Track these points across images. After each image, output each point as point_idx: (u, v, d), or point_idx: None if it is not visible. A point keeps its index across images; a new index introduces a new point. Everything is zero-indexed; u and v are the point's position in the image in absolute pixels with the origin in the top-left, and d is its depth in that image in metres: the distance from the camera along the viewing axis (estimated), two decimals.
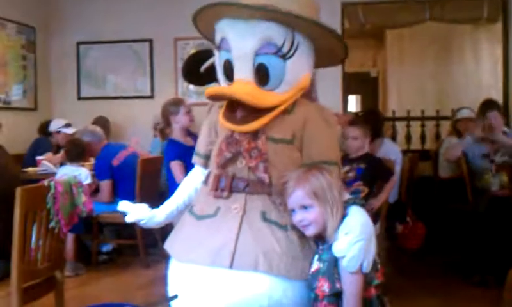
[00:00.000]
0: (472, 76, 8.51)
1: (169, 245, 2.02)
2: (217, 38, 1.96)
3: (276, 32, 1.84)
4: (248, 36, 1.85)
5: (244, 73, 1.88)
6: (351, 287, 1.66)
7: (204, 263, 1.82)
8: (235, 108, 1.90)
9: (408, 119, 6.77)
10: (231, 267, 1.77)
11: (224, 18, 1.91)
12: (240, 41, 1.87)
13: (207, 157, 2.09)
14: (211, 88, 1.91)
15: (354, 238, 1.64)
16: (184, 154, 3.80)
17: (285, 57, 1.86)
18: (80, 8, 6.59)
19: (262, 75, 1.88)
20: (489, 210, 4.30)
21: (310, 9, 1.91)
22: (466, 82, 8.40)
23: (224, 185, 1.90)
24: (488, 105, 4.84)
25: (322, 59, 2.04)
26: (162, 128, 5.27)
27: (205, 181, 2.03)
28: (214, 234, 1.85)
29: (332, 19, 6.01)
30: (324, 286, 1.70)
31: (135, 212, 2.11)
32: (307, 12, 1.87)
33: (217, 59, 2.01)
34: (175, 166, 3.78)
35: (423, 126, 6.69)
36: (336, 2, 6.17)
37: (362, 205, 1.77)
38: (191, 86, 6.15)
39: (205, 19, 1.97)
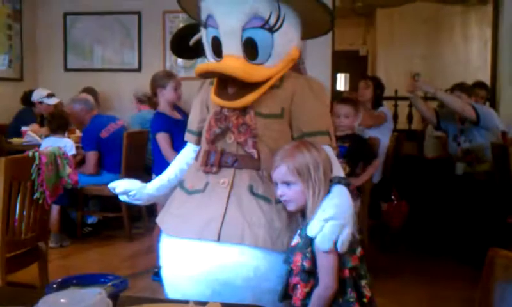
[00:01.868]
0: (460, 57, 8.53)
1: (160, 219, 2.03)
2: (203, 15, 1.94)
3: (262, 5, 1.83)
4: (234, 12, 1.84)
5: (232, 48, 1.87)
6: (324, 266, 1.66)
7: (192, 237, 1.83)
8: (226, 84, 1.90)
9: (395, 98, 6.78)
10: (218, 240, 1.78)
11: None
12: (227, 17, 1.86)
13: (199, 134, 2.08)
14: (200, 65, 1.90)
15: (327, 217, 1.63)
16: (171, 127, 3.78)
17: (272, 29, 1.85)
18: None
19: (250, 49, 1.87)
20: (457, 191, 4.40)
21: None
22: (454, 63, 8.41)
23: (214, 161, 1.90)
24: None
25: (308, 30, 2.03)
26: (150, 97, 5.26)
27: (196, 157, 2.03)
28: (203, 208, 1.86)
29: None
30: (299, 262, 1.71)
31: (124, 183, 2.10)
32: None
33: (204, 37, 1.99)
34: (162, 138, 3.76)
35: (410, 106, 6.69)
36: None
37: (347, 184, 1.75)
38: (179, 60, 6.11)
39: None
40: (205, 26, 1.95)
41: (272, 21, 1.84)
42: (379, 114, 4.64)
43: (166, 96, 3.93)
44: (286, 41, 1.91)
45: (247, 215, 1.80)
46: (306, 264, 1.68)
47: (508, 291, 1.28)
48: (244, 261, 1.78)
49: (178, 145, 3.58)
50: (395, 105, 6.73)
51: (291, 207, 1.76)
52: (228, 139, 1.91)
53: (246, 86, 1.85)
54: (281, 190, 1.75)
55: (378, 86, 4.82)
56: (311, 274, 1.69)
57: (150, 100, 5.53)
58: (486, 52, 7.27)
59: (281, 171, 1.74)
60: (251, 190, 1.84)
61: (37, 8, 6.57)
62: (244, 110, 1.89)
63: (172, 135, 3.73)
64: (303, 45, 2.13)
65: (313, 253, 1.67)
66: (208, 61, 2.01)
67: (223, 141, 1.92)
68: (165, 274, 1.96)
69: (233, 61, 1.85)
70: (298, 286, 1.71)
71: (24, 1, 6.37)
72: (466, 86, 4.96)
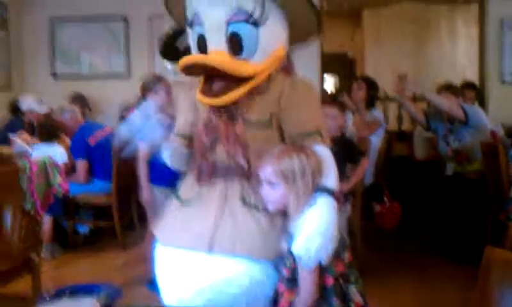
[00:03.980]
0: (447, 57, 8.58)
1: (155, 228, 2.02)
2: (189, 14, 1.92)
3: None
4: (218, 6, 1.83)
5: (217, 43, 1.85)
6: (304, 282, 1.66)
7: (184, 246, 1.83)
8: (212, 81, 1.86)
9: (384, 99, 6.79)
10: (209, 251, 1.78)
11: None
12: (211, 12, 1.84)
13: (186, 138, 2.04)
14: (185, 58, 1.86)
15: (311, 235, 1.62)
16: None
17: (256, 24, 1.83)
18: None
19: (235, 44, 1.85)
20: (449, 190, 4.43)
21: None
22: (442, 63, 8.46)
23: (206, 172, 1.90)
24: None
25: (295, 34, 2.00)
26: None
27: (191, 167, 2.01)
28: (195, 219, 1.86)
29: None
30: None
31: None
32: None
33: (190, 37, 1.97)
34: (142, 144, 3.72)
35: (399, 107, 6.72)
36: None
37: (333, 193, 1.73)
38: (169, 65, 6.08)
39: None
40: (191, 25, 1.93)
41: (256, 15, 1.82)
42: (373, 121, 4.65)
43: (158, 101, 3.90)
44: (271, 37, 1.89)
45: (240, 225, 1.80)
46: (286, 272, 1.70)
47: (506, 290, 1.28)
48: (238, 270, 1.78)
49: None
50: (384, 106, 6.75)
51: (271, 207, 1.76)
52: (219, 149, 1.90)
53: (231, 83, 1.83)
54: (264, 190, 1.76)
55: (371, 86, 4.83)
56: (295, 282, 1.69)
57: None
58: (472, 50, 7.32)
59: (266, 171, 1.74)
60: (244, 200, 1.84)
61: (23, 15, 6.52)
62: (232, 119, 1.87)
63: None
64: (291, 50, 2.11)
65: (294, 262, 1.67)
66: None
67: (214, 151, 1.90)
68: (160, 282, 1.96)
69: (217, 55, 1.83)
70: (284, 293, 1.72)
71: (10, 9, 6.32)
72: (454, 86, 4.99)
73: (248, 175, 1.85)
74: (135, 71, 6.31)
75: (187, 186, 1.99)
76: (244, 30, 1.83)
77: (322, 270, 1.67)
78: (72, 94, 5.92)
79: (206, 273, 1.79)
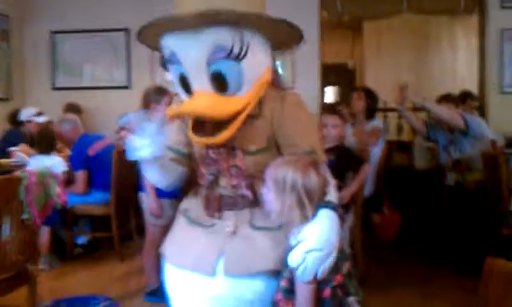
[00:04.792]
0: (448, 67, 8.60)
1: (164, 247, 2.02)
2: (166, 53, 1.86)
3: (223, 36, 1.73)
4: (196, 46, 1.74)
5: (200, 84, 1.78)
6: (302, 294, 1.66)
7: (187, 268, 1.85)
8: (203, 119, 1.82)
9: (384, 110, 6.79)
10: (214, 274, 1.79)
11: (168, 32, 1.81)
12: (189, 53, 1.76)
13: (180, 155, 1.99)
14: (170, 110, 1.82)
15: (309, 248, 1.61)
16: None
17: (238, 58, 1.75)
18: None
19: (219, 82, 1.78)
20: (449, 201, 4.42)
21: (252, 3, 1.81)
22: (442, 74, 8.48)
23: (214, 206, 1.91)
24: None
25: (279, 45, 1.95)
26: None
27: (199, 192, 1.99)
28: (202, 241, 1.87)
29: (310, 10, 6.00)
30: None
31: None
32: (249, 7, 1.77)
33: (172, 74, 1.91)
34: None
35: (400, 117, 6.72)
36: None
37: (334, 208, 1.71)
38: (169, 77, 6.08)
39: (150, 37, 1.90)
40: (170, 63, 1.86)
41: (236, 50, 1.74)
42: (373, 129, 4.65)
43: (159, 112, 3.89)
44: (255, 66, 1.82)
45: (253, 244, 1.81)
46: (284, 283, 1.71)
47: (507, 300, 1.27)
48: (251, 289, 1.80)
49: None
50: (385, 117, 6.75)
51: (266, 207, 1.77)
52: (222, 182, 1.89)
53: (222, 122, 1.77)
54: (263, 189, 1.76)
55: (370, 97, 4.83)
56: (293, 293, 1.69)
57: None
58: (473, 61, 7.33)
59: (266, 173, 1.75)
60: (253, 225, 1.85)
61: (24, 28, 6.55)
62: (231, 151, 1.85)
63: None
64: (275, 60, 2.04)
65: (292, 273, 1.68)
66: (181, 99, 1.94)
67: (219, 185, 1.90)
68: (172, 302, 1.98)
69: (203, 98, 1.76)
70: (279, 303, 1.72)
71: (12, 21, 6.35)
72: (453, 96, 4.98)
73: (256, 202, 1.86)
74: (136, 82, 6.32)
75: (197, 209, 1.97)
76: (227, 67, 1.76)
77: (319, 281, 1.65)
78: (66, 104, 5.93)
79: (213, 295, 1.81)
